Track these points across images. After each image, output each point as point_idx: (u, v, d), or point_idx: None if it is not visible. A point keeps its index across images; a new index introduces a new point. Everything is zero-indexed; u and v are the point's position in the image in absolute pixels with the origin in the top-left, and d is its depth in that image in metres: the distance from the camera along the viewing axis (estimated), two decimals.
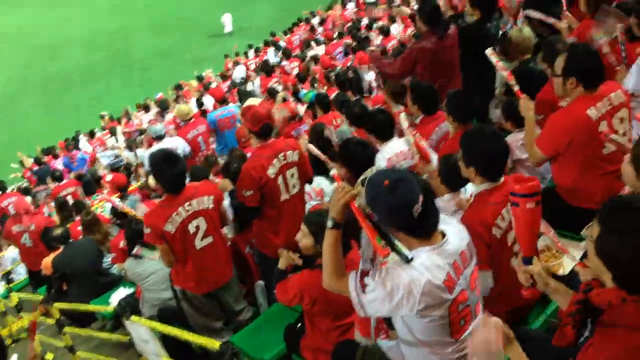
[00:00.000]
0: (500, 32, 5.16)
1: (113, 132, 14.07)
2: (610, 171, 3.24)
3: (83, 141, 15.00)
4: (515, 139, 3.94)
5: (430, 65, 4.75)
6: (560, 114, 3.33)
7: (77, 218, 6.78)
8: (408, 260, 2.06)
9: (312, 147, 4.19)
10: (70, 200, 8.26)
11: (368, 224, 2.12)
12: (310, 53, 14.35)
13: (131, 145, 11.38)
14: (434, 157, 3.88)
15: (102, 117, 17.91)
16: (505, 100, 4.18)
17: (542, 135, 3.38)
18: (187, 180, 4.09)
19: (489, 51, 3.52)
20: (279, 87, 10.62)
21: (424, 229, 2.16)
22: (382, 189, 2.07)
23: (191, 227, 3.74)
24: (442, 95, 4.24)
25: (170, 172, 3.68)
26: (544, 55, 4.26)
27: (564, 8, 4.90)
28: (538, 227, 2.25)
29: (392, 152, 4.11)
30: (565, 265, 3.19)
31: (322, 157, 4.10)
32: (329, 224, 2.28)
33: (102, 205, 7.57)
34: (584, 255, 2.79)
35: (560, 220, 3.12)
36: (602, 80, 3.27)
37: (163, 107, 12.96)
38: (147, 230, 3.71)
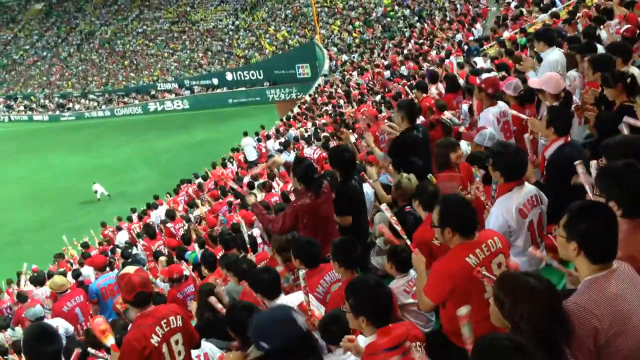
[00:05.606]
0: None
1: None
2: None
3: None
4: (397, 285, 4.10)
5: (310, 221, 4.94)
6: (441, 263, 3.48)
7: None
8: None
9: (213, 299, 4.15)
10: None
11: None
12: (195, 213, 14.40)
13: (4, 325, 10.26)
14: (322, 310, 3.94)
15: None
16: (390, 248, 4.41)
17: (428, 284, 3.50)
18: None
19: (387, 215, 3.86)
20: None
21: None
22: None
23: None
24: (323, 248, 4.44)
25: (43, 350, 3.43)
26: (415, 198, 4.55)
27: None
28: None
29: None
30: None
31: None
32: None
33: None
34: None
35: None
36: (476, 226, 3.46)
37: (39, 279, 12.07)
38: None
